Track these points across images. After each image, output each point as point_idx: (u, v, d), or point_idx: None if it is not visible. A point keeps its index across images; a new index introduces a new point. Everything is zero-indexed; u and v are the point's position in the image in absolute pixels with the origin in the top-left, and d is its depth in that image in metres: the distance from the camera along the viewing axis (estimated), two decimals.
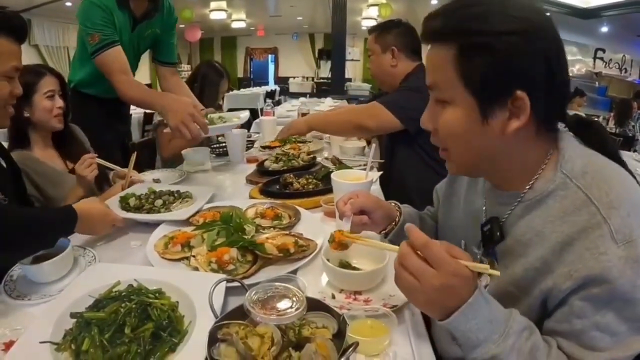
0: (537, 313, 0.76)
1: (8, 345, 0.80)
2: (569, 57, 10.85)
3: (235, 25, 12.81)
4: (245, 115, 1.90)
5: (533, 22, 0.70)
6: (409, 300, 0.78)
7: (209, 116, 1.86)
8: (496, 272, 0.70)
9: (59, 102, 1.72)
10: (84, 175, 1.57)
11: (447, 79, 0.73)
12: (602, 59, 10.76)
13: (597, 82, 10.74)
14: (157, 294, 0.89)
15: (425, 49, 0.80)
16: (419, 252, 0.70)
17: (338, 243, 0.94)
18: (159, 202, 1.43)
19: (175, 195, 1.49)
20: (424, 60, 0.86)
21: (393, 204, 1.16)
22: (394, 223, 1.12)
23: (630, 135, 6.04)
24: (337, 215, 1.11)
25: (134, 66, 2.19)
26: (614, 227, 0.67)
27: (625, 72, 10.68)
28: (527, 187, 0.78)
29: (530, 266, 0.76)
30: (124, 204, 1.42)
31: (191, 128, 1.51)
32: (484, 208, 0.91)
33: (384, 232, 1.14)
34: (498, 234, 0.82)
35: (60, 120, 1.74)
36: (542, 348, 0.69)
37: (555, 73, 0.71)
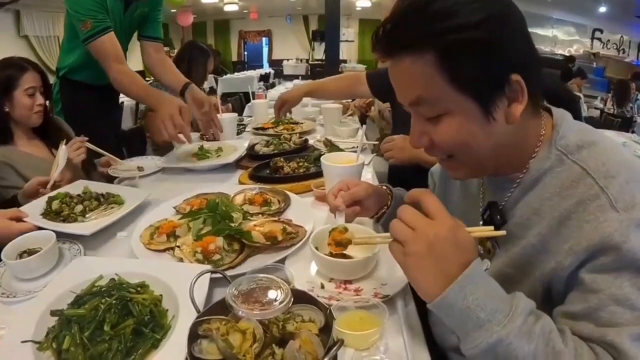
0: (540, 300, 0.71)
1: None
2: (567, 38, 10.79)
3: (227, 8, 12.55)
4: (243, 146, 1.89)
5: (500, 1, 0.66)
6: (402, 263, 0.67)
7: (204, 147, 1.87)
8: (502, 233, 0.68)
9: (40, 100, 1.69)
10: (70, 157, 1.55)
11: (436, 90, 0.66)
12: (599, 39, 10.66)
13: (594, 63, 10.65)
14: (139, 288, 0.86)
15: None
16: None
17: (339, 243, 0.92)
18: (79, 208, 1.29)
19: (101, 199, 1.35)
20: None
21: (384, 187, 1.12)
22: (385, 207, 1.08)
23: (628, 116, 6.01)
24: (329, 209, 1.07)
25: (125, 48, 2.13)
26: (613, 196, 0.63)
27: (623, 52, 10.58)
28: (525, 169, 0.75)
29: (527, 244, 0.73)
30: (48, 207, 1.28)
31: (176, 121, 1.61)
32: (481, 193, 0.88)
33: (375, 216, 1.10)
34: (498, 217, 0.79)
35: (40, 117, 1.71)
36: (555, 330, 0.62)
37: (532, 46, 0.70)
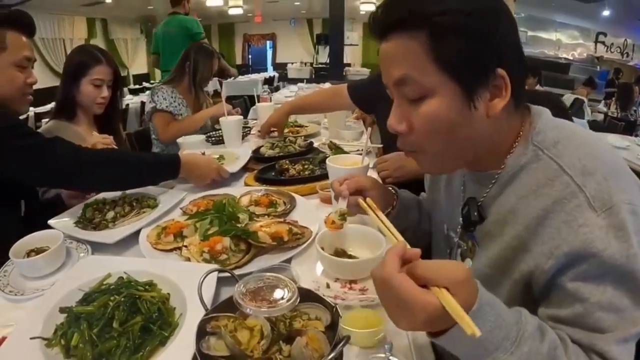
0: (520, 297, 0.72)
1: (0, 342, 0.78)
2: (570, 41, 10.75)
3: (232, 12, 12.54)
4: (246, 153, 1.87)
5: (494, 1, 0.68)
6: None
7: (206, 154, 1.86)
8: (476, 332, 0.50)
9: (104, 93, 1.76)
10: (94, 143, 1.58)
11: (421, 69, 0.67)
12: (603, 43, 10.61)
13: (598, 67, 10.61)
14: (147, 287, 0.87)
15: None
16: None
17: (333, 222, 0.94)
18: (110, 214, 1.27)
19: (134, 204, 1.34)
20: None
21: (390, 188, 1.12)
22: (391, 208, 1.09)
23: (632, 120, 5.99)
24: (332, 196, 1.08)
25: None
26: (591, 194, 0.63)
27: (627, 56, 10.54)
28: (502, 165, 0.75)
29: (506, 245, 0.73)
30: (83, 214, 1.29)
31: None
32: (462, 189, 0.88)
33: None
34: (476, 214, 0.79)
35: (100, 108, 1.79)
36: (560, 345, 0.61)
37: (521, 50, 0.71)
